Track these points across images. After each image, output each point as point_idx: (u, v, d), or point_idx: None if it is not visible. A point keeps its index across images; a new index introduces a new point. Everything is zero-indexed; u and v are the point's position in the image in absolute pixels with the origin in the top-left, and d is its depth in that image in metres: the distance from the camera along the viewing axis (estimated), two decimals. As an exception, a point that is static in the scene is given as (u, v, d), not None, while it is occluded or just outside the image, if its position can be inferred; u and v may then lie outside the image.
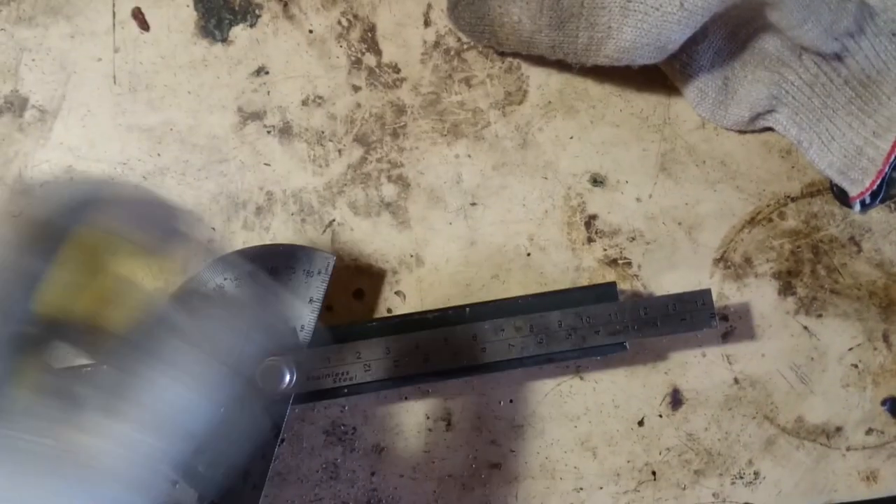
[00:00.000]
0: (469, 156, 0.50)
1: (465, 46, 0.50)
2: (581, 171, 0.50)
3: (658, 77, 0.50)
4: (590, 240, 0.50)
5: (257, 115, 0.49)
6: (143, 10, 0.50)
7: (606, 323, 0.46)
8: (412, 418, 0.49)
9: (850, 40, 0.48)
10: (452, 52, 0.50)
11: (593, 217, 0.50)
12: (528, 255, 0.50)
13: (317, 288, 0.46)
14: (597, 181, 0.50)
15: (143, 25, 0.50)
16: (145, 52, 0.49)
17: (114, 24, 0.49)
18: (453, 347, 0.46)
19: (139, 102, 0.49)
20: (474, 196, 0.50)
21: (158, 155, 0.49)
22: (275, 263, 0.45)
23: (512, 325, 0.46)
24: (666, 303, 0.46)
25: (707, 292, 0.46)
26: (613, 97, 0.51)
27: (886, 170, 0.48)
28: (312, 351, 0.45)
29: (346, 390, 0.45)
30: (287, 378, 0.44)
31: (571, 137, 0.50)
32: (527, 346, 0.46)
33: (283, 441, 0.49)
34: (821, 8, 0.45)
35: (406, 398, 0.49)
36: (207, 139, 0.49)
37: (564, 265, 0.50)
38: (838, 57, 0.48)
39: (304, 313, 0.45)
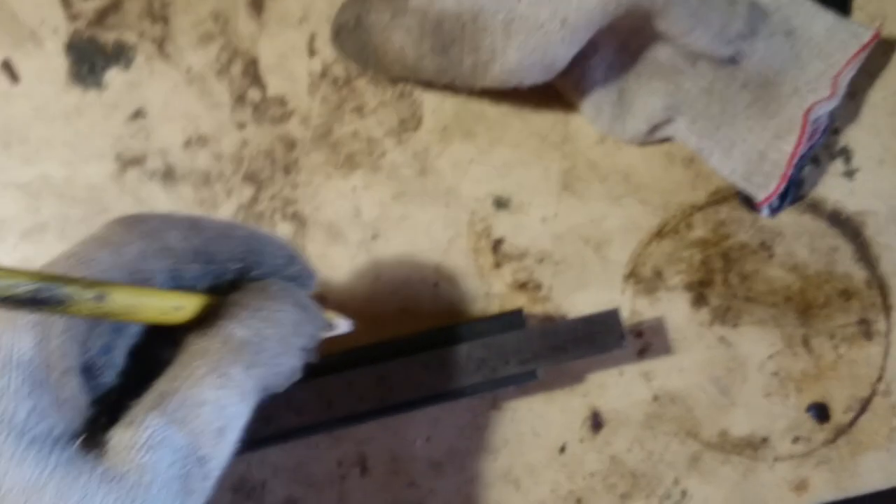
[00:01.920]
0: (366, 187, 0.48)
1: (354, 74, 0.49)
2: (483, 195, 0.49)
3: (554, 94, 0.49)
4: (498, 264, 0.49)
5: (137, 161, 0.47)
6: (12, 62, 0.47)
7: (516, 352, 0.44)
8: (324, 467, 0.47)
9: (744, 43, 0.47)
10: (341, 82, 0.49)
11: (499, 241, 0.49)
12: (436, 285, 0.49)
13: None
14: (500, 204, 0.49)
15: (13, 77, 0.47)
16: (17, 105, 0.47)
17: (-19, 76, 0.47)
18: (359, 391, 0.44)
19: (14, 158, 0.47)
20: (375, 228, 0.48)
21: (37, 210, 0.47)
22: None
23: (419, 361, 0.44)
24: (574, 326, 0.45)
25: (614, 313, 0.45)
26: (511, 117, 0.49)
27: (791, 172, 0.47)
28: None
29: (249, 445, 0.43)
30: None
31: (471, 161, 0.49)
32: (436, 383, 0.44)
33: (191, 500, 0.47)
34: (710, 13, 0.44)
35: (317, 445, 0.47)
36: (87, 190, 0.47)
37: (474, 293, 0.49)
38: (734, 61, 0.47)
39: None
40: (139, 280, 0.29)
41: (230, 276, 0.31)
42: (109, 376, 0.29)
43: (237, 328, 0.28)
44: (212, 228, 0.31)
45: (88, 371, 0.28)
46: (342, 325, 0.39)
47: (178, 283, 0.30)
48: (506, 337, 0.44)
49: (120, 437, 0.26)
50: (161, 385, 0.27)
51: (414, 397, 0.44)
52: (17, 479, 0.24)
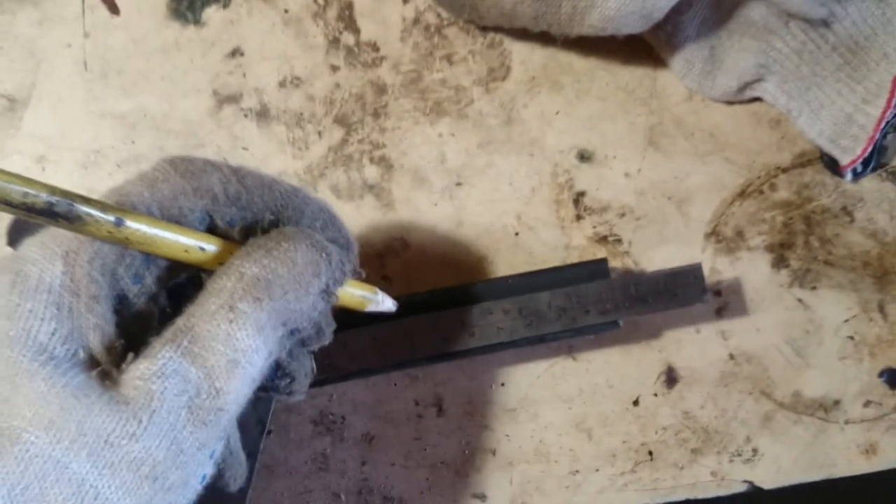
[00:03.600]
0: (453, 134, 0.49)
1: (446, 22, 0.49)
2: (568, 147, 0.49)
3: (643, 49, 0.49)
4: (579, 217, 0.49)
5: (233, 99, 0.48)
6: (113, -6, 0.48)
7: (597, 301, 0.45)
8: (402, 405, 0.48)
9: (837, 5, 0.47)
10: (433, 29, 0.49)
11: (581, 194, 0.49)
12: (517, 234, 0.49)
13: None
14: (584, 157, 0.49)
15: (113, 9, 0.48)
16: (116, 36, 0.48)
17: (83, 9, 0.48)
18: (442, 332, 0.45)
19: (111, 88, 0.48)
20: (459, 175, 0.49)
21: (133, 142, 0.48)
22: None
23: (500, 307, 0.45)
24: (657, 279, 0.45)
25: (698, 267, 0.45)
26: (599, 71, 0.49)
27: (877, 136, 0.47)
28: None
29: (333, 379, 0.44)
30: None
31: (557, 113, 0.49)
32: (516, 329, 0.45)
33: (269, 433, 0.48)
34: (807, -28, 0.44)
35: (395, 384, 0.48)
36: (183, 124, 0.48)
37: (554, 244, 0.49)
38: (825, 23, 0.47)
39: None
40: (171, 216, 0.30)
41: (265, 226, 0.32)
42: (145, 304, 0.30)
43: (249, 265, 0.29)
44: (254, 177, 0.32)
45: (124, 299, 0.29)
46: (385, 303, 0.39)
47: (211, 226, 0.31)
48: (588, 287, 0.45)
49: (135, 367, 0.27)
50: (178, 321, 0.28)
51: (493, 342, 0.45)
52: (28, 391, 0.26)
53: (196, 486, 0.29)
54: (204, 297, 0.29)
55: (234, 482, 0.33)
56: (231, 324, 0.28)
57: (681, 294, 0.45)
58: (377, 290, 0.38)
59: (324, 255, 0.32)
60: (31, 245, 0.28)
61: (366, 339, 0.44)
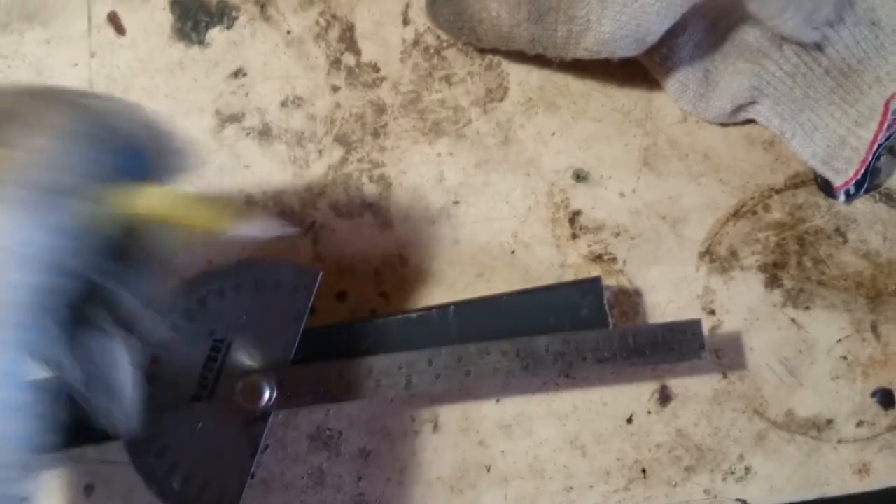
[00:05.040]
0: (451, 154, 0.50)
1: (445, 44, 0.50)
2: (564, 167, 0.50)
3: (639, 71, 0.50)
4: (574, 236, 0.50)
5: (236, 118, 0.49)
6: (119, 14, 0.49)
7: (594, 350, 0.45)
8: (398, 421, 0.49)
9: (830, 29, 0.48)
10: (432, 51, 0.50)
11: (577, 213, 0.50)
12: (513, 252, 0.50)
13: (302, 304, 0.45)
14: (580, 177, 0.50)
15: (119, 29, 0.49)
16: (122, 56, 0.49)
17: (89, 29, 0.49)
18: (437, 370, 0.45)
19: (116, 107, 0.49)
20: (457, 194, 0.50)
21: (136, 159, 0.49)
22: (259, 277, 0.45)
23: (498, 348, 0.45)
24: (655, 332, 0.45)
25: (697, 323, 0.45)
26: (594, 92, 0.50)
27: (870, 159, 0.48)
28: (296, 369, 0.44)
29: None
30: (267, 396, 0.43)
31: (553, 133, 0.50)
32: (512, 370, 0.45)
33: (266, 448, 0.48)
34: (800, -2, 0.45)
35: (391, 400, 0.49)
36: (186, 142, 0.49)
37: (549, 262, 0.50)
38: (819, 47, 0.48)
39: (290, 329, 0.45)
40: None
41: None
42: None
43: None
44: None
45: None
46: (252, 228, 0.33)
47: None
48: (586, 335, 0.45)
49: None
50: None
51: (489, 381, 0.45)
52: None
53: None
54: None
55: (113, 421, 0.32)
56: None
57: (678, 349, 0.45)
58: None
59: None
60: None
61: (364, 370, 0.44)
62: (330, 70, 0.49)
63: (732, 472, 0.49)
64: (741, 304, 0.50)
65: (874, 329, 0.50)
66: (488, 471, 0.49)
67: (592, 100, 0.50)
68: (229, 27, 0.49)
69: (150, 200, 0.31)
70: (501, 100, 0.50)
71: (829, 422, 0.50)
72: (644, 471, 0.49)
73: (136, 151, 0.30)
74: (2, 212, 0.26)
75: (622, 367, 0.45)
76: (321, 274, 0.44)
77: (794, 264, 0.50)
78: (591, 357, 0.45)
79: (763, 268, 0.50)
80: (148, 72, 0.49)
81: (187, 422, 0.44)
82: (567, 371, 0.45)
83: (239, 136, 0.49)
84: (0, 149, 0.27)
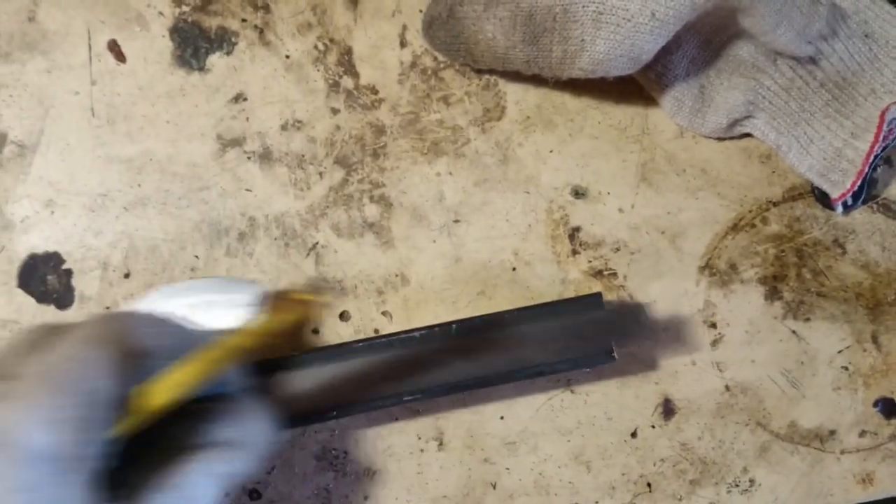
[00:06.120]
0: (450, 173, 0.50)
1: (442, 65, 0.50)
2: (562, 184, 0.50)
3: (635, 88, 0.50)
4: (574, 252, 0.50)
5: (237, 142, 0.49)
6: (119, 43, 0.50)
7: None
8: (403, 439, 0.49)
9: (824, 43, 0.48)
10: (429, 72, 0.50)
11: (577, 229, 0.50)
12: (514, 269, 0.50)
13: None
14: (578, 193, 0.50)
15: (120, 57, 0.50)
16: (122, 83, 0.50)
17: (90, 58, 0.49)
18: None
19: (118, 134, 0.49)
20: (457, 213, 0.50)
21: (139, 185, 0.49)
22: (211, 297, 0.45)
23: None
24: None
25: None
26: (591, 110, 0.51)
27: (866, 170, 0.48)
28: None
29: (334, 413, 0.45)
30: None
31: (551, 151, 0.51)
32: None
33: (273, 468, 0.48)
34: (793, 12, 0.45)
35: (396, 419, 0.49)
36: (187, 167, 0.49)
37: (550, 278, 0.50)
38: (813, 60, 0.48)
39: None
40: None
41: None
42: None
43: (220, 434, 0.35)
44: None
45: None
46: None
47: None
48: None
49: None
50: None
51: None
52: None
53: None
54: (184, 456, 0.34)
55: None
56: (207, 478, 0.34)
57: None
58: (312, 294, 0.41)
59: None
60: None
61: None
62: (329, 93, 0.50)
63: (737, 485, 0.49)
64: (742, 317, 0.50)
65: (875, 339, 0.50)
66: (494, 488, 0.49)
67: (589, 117, 0.51)
68: (229, 53, 0.50)
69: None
70: (499, 119, 0.51)
71: (832, 432, 0.50)
72: (649, 485, 0.49)
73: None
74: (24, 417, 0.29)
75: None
76: (265, 288, 0.45)
77: (793, 276, 0.50)
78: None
79: (763, 280, 0.50)
80: (149, 98, 0.49)
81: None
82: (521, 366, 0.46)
83: (240, 160, 0.49)
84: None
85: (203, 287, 0.47)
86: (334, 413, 0.45)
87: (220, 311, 0.45)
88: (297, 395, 0.45)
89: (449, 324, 0.47)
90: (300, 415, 0.45)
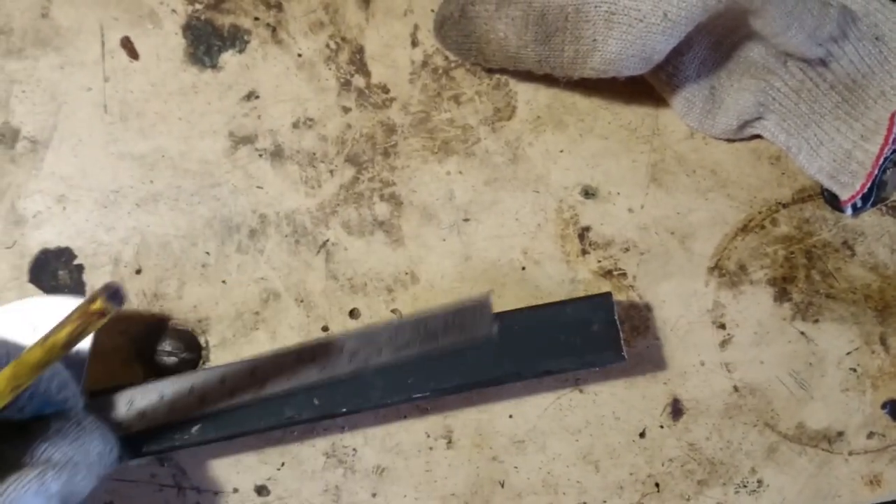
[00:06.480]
0: (460, 172, 0.50)
1: (453, 65, 0.51)
2: (572, 184, 0.51)
3: (645, 88, 0.50)
4: (584, 252, 0.50)
5: (248, 139, 0.50)
6: (132, 39, 0.50)
7: (389, 342, 0.44)
8: (412, 437, 0.49)
9: (834, 45, 0.48)
10: (440, 71, 0.51)
11: (586, 229, 0.50)
12: (523, 268, 0.50)
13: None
14: (588, 193, 0.51)
15: (133, 54, 0.50)
16: (135, 80, 0.50)
17: (103, 54, 0.50)
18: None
19: (130, 130, 0.49)
20: (467, 212, 0.50)
21: (151, 182, 0.49)
22: (35, 321, 0.44)
23: (291, 355, 0.45)
24: (446, 315, 0.44)
25: (486, 299, 0.44)
26: (601, 110, 0.51)
27: (876, 172, 0.48)
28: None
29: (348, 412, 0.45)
30: None
31: (561, 151, 0.51)
32: (309, 375, 0.45)
33: (283, 465, 0.49)
34: (804, 14, 0.45)
35: (405, 416, 0.49)
36: (199, 164, 0.49)
37: (559, 278, 0.50)
38: (823, 62, 0.49)
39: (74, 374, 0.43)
40: None
41: None
42: None
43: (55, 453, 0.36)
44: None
45: None
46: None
47: None
48: (379, 327, 0.45)
49: None
50: None
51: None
52: None
53: None
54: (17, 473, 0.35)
55: None
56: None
57: (469, 329, 0.44)
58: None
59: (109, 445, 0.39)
60: None
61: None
62: (340, 91, 0.50)
63: (745, 486, 0.49)
64: (751, 318, 0.50)
65: (883, 341, 0.50)
66: (502, 486, 0.49)
67: (600, 117, 0.51)
68: (241, 51, 0.50)
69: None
70: (510, 118, 0.51)
71: (840, 434, 0.50)
72: (657, 485, 0.49)
73: None
74: None
75: (419, 354, 0.44)
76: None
77: (802, 278, 0.50)
78: (387, 349, 0.45)
79: (772, 282, 0.50)
80: (161, 96, 0.50)
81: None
82: (365, 365, 0.45)
83: (252, 158, 0.49)
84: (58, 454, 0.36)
85: (19, 306, 0.45)
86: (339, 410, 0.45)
87: (26, 329, 0.44)
88: (138, 415, 0.44)
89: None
90: (143, 437, 0.44)
